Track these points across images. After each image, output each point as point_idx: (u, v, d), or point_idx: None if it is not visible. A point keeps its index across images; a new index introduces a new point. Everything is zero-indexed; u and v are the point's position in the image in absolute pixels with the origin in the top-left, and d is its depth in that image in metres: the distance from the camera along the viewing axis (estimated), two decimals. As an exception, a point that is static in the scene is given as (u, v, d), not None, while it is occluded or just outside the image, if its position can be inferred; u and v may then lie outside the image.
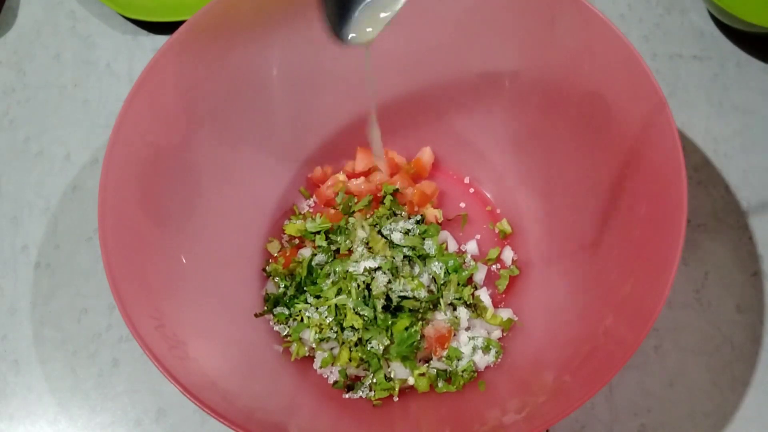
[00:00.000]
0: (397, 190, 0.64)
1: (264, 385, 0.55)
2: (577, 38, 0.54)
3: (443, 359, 0.57)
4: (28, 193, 0.68)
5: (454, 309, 0.59)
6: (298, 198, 0.66)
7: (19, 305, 0.64)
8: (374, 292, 0.56)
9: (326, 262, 0.60)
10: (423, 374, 0.57)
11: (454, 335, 0.58)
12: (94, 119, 0.71)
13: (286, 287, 0.60)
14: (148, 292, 0.50)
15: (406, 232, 0.61)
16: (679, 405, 0.59)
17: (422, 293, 0.57)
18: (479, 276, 0.61)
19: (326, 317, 0.57)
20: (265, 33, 0.57)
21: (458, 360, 0.57)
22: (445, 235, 0.63)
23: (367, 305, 0.56)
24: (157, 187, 0.54)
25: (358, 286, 0.56)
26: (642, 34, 0.72)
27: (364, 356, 0.56)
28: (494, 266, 0.63)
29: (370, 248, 0.59)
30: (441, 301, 0.58)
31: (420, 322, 0.57)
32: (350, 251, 0.61)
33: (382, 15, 0.48)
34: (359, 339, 0.56)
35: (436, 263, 0.59)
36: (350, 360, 0.57)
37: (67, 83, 0.72)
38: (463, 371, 0.57)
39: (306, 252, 0.62)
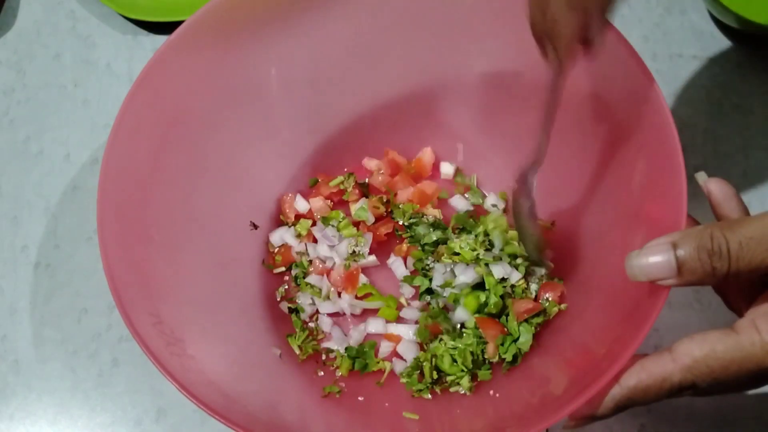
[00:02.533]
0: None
1: (264, 384, 0.55)
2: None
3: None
4: (28, 193, 0.68)
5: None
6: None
7: (19, 305, 0.64)
8: None
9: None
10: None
11: None
12: (94, 119, 0.71)
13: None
14: (147, 290, 0.50)
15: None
16: (679, 405, 0.58)
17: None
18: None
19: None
20: (265, 33, 0.57)
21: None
22: (445, 234, 0.63)
23: None
24: (157, 187, 0.54)
25: None
26: (642, 34, 0.72)
27: None
28: (494, 266, 0.63)
29: None
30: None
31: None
32: None
33: None
34: None
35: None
36: None
37: (67, 83, 0.72)
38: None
39: None
